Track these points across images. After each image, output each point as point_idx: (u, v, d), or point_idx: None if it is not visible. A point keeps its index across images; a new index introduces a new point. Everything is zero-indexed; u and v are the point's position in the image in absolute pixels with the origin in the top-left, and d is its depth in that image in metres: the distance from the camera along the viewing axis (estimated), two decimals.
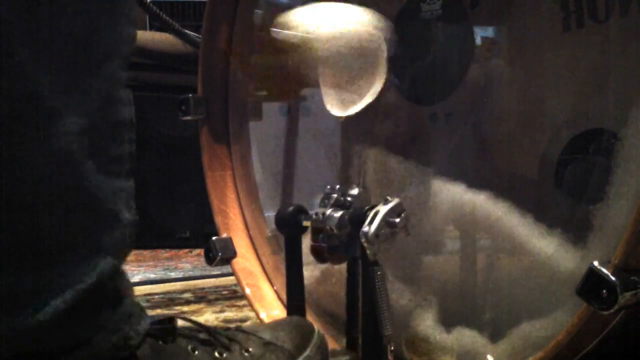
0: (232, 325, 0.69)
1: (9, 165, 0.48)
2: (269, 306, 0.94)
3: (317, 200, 0.75)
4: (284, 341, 0.65)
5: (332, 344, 0.79)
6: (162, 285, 1.58)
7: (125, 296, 0.56)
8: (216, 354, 0.60)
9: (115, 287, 0.55)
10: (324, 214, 0.72)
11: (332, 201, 0.73)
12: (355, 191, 0.73)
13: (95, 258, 0.52)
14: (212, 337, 0.62)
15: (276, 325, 0.69)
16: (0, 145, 0.47)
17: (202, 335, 0.62)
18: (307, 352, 0.66)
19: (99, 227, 0.53)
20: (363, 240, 0.65)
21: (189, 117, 0.99)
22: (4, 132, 0.47)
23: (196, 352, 0.59)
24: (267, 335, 0.66)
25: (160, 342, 0.57)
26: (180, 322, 0.62)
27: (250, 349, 0.63)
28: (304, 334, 0.68)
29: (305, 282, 0.79)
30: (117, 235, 0.54)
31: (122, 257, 0.56)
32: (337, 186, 0.75)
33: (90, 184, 0.51)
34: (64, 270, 0.51)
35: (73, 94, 0.50)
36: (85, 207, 0.52)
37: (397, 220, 0.66)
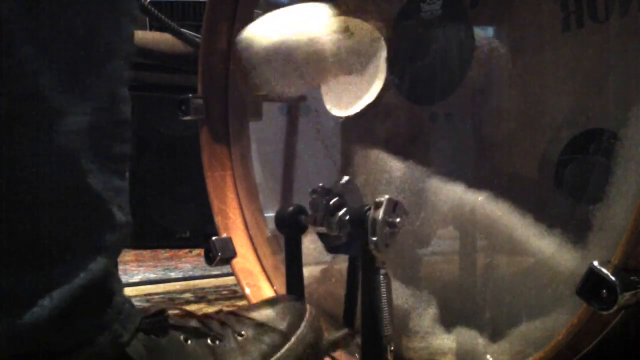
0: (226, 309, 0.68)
1: (10, 165, 0.48)
2: None
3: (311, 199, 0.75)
4: (276, 321, 0.65)
5: None
6: (162, 285, 1.58)
7: (115, 294, 0.56)
8: (209, 341, 0.60)
9: (106, 287, 0.55)
10: (321, 213, 0.72)
11: (319, 191, 0.73)
12: (343, 180, 0.73)
13: (90, 257, 0.52)
14: (204, 324, 0.62)
15: (268, 305, 0.69)
16: (1, 145, 0.47)
17: (193, 323, 0.61)
18: (300, 331, 0.65)
19: (96, 227, 0.53)
20: (372, 248, 0.65)
21: (189, 117, 0.99)
22: (4, 132, 0.47)
23: (189, 342, 0.59)
24: (259, 317, 0.65)
25: (152, 336, 0.57)
26: (171, 313, 0.61)
27: (243, 332, 0.63)
28: (296, 313, 0.67)
29: (305, 282, 0.79)
30: (113, 235, 0.54)
31: (115, 257, 0.56)
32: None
33: (91, 183, 0.51)
34: (61, 270, 0.51)
35: (75, 93, 0.50)
36: (85, 207, 0.52)
37: (398, 220, 0.66)
